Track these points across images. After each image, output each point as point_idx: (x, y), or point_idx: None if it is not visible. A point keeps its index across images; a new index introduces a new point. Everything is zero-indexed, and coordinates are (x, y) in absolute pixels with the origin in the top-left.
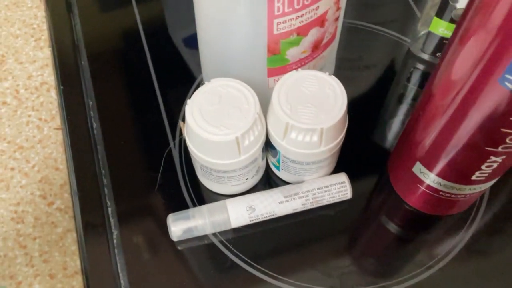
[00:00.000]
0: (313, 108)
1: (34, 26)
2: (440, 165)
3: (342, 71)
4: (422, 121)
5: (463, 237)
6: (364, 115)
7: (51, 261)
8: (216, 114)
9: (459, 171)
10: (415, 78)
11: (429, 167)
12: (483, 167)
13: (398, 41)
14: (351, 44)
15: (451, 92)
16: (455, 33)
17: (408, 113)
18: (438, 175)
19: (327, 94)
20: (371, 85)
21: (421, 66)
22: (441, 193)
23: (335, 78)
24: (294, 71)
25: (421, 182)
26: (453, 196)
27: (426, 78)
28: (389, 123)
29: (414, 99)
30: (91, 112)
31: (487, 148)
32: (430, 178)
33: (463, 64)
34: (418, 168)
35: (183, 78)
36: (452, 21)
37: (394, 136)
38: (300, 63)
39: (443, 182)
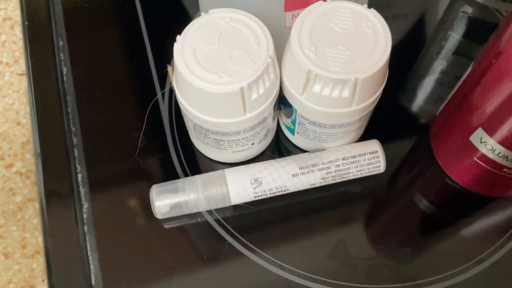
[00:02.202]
0: (346, 51)
1: None
2: (510, 134)
3: None
4: (490, 77)
5: None
6: (395, 73)
7: (7, 237)
8: (215, 57)
9: None
10: (462, 25)
11: (495, 135)
12: None
13: None
14: None
15: None
16: None
17: (448, 70)
18: (506, 146)
19: (366, 34)
20: (402, 39)
21: (470, 10)
22: (505, 169)
23: (377, 13)
24: (321, 1)
25: (480, 155)
26: None
27: (475, 26)
28: (426, 83)
29: (458, 53)
30: (61, 54)
31: None
32: (494, 150)
33: None
34: (478, 137)
35: (177, 11)
36: None
37: (431, 99)
38: None
39: None
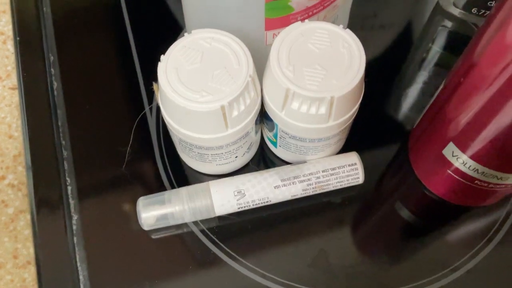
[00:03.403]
0: (322, 70)
1: None
2: (481, 148)
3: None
4: (460, 93)
5: (496, 233)
6: (378, 82)
7: None
8: (197, 76)
9: (505, 157)
10: (442, 39)
11: (466, 150)
12: None
13: None
14: None
15: (503, 58)
16: None
17: (429, 81)
18: (476, 160)
19: (341, 54)
20: (387, 48)
21: (449, 24)
22: (476, 181)
23: (352, 34)
24: (300, 22)
25: (452, 168)
26: (491, 185)
27: (455, 39)
28: (408, 93)
29: (438, 64)
30: (52, 69)
31: None
32: (466, 164)
33: None
34: (450, 151)
35: (165, 27)
36: None
37: (413, 109)
38: (307, 13)
39: (482, 169)
